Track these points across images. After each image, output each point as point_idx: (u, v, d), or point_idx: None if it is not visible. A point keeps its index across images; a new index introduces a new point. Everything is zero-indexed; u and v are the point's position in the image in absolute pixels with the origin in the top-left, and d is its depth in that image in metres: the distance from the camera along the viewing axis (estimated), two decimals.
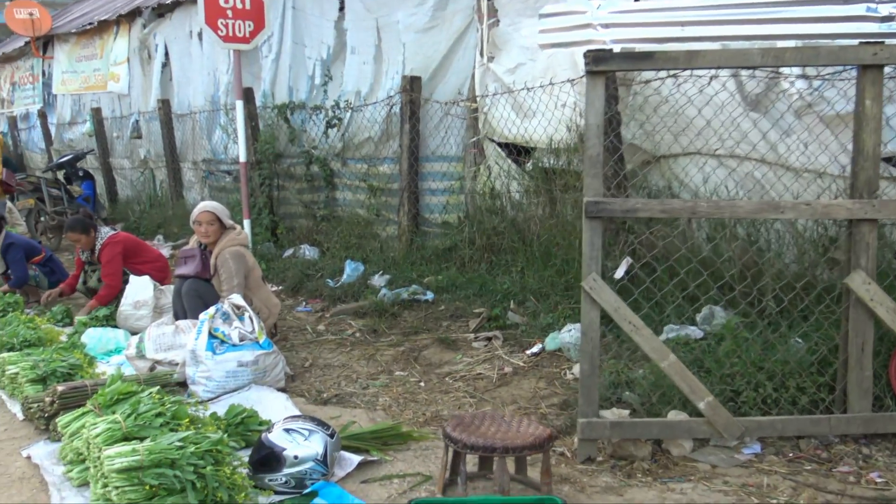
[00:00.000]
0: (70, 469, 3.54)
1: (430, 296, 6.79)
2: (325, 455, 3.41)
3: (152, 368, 4.91)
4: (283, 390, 4.97)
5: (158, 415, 3.41)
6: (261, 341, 4.86)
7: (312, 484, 3.38)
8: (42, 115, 15.60)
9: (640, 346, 3.87)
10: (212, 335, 4.73)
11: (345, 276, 7.57)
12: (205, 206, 5.77)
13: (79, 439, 3.53)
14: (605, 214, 3.76)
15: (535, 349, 5.46)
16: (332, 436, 3.47)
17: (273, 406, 4.48)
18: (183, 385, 4.76)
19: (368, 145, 8.13)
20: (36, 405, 4.15)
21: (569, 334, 5.29)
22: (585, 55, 3.68)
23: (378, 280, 7.38)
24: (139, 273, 6.80)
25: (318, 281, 7.72)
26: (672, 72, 5.07)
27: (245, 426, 3.92)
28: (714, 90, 5.05)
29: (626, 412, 4.07)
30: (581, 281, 3.81)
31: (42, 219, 11.37)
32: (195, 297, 5.64)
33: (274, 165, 9.01)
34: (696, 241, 5.34)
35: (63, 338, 5.97)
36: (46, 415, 4.09)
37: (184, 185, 11.36)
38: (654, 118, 5.50)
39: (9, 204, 9.78)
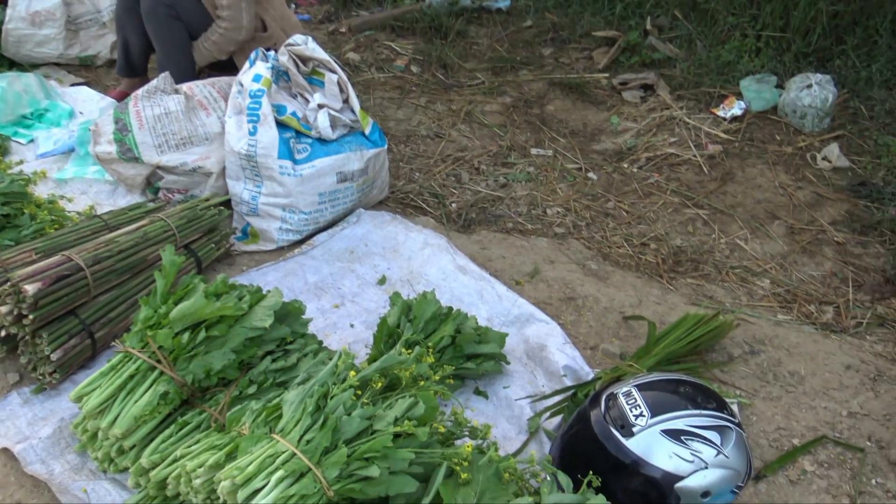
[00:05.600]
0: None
1: (504, 1, 4.48)
2: (748, 473, 1.63)
3: (153, 179, 2.63)
4: (384, 201, 2.92)
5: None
6: (366, 130, 2.65)
7: None
8: None
9: None
10: (280, 124, 2.46)
11: None
12: None
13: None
14: None
15: (733, 110, 3.56)
16: (740, 425, 1.64)
17: (440, 264, 2.48)
18: (226, 204, 2.58)
19: None
20: None
21: (807, 93, 3.41)
22: None
23: None
24: None
25: None
26: None
27: (459, 351, 1.98)
28: None
29: None
30: None
31: None
32: (169, 20, 3.11)
33: None
34: None
35: None
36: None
37: None
38: None
39: None
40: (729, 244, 2.89)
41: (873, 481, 1.87)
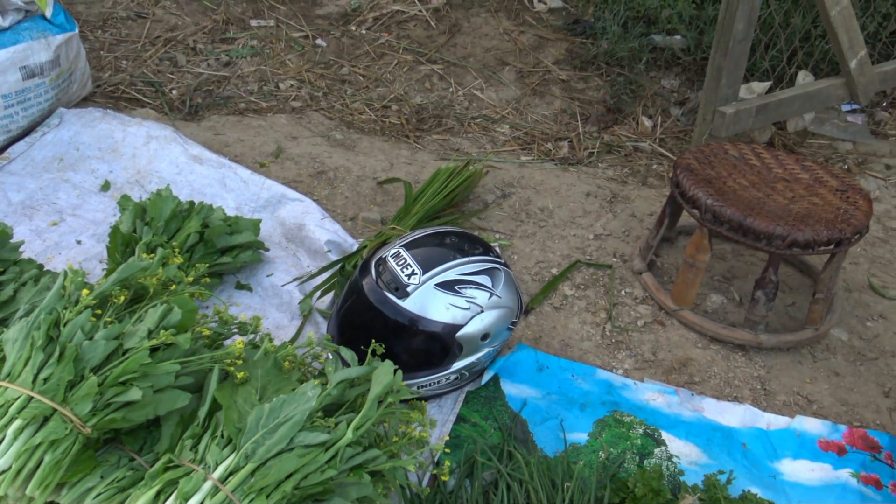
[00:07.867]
0: None
1: None
2: (520, 308, 1.67)
3: None
4: (89, 97, 2.54)
5: None
6: (47, 12, 2.21)
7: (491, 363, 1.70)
8: None
9: None
10: None
11: None
12: None
13: None
14: None
15: None
16: (507, 265, 1.67)
17: (170, 157, 2.20)
18: None
19: None
20: None
21: None
22: None
23: None
24: None
25: None
26: None
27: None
28: None
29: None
30: None
31: None
32: None
33: None
34: None
35: None
36: None
37: None
38: None
39: None
40: (467, 95, 2.92)
41: (622, 291, 2.04)
